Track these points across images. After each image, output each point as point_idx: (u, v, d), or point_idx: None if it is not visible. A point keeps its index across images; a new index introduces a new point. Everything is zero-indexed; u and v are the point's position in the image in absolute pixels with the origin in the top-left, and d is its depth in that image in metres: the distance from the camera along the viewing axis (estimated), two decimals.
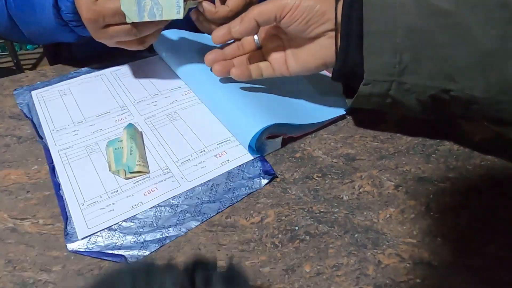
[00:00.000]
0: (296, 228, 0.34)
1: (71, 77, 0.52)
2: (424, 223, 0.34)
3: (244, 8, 0.44)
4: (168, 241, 0.32)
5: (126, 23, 0.39)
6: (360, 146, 0.42)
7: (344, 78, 0.40)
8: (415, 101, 0.36)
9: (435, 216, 0.35)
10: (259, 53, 0.44)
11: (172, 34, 0.54)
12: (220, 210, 0.35)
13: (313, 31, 0.37)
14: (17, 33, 0.50)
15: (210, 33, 0.43)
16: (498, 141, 0.42)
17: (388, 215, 0.35)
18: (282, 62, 0.42)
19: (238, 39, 0.43)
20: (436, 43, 0.33)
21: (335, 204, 0.36)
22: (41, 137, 0.42)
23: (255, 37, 0.43)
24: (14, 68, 1.47)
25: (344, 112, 0.46)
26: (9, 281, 0.29)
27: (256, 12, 0.37)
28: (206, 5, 0.43)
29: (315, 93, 0.48)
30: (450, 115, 0.40)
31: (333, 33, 0.37)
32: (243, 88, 0.44)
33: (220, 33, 0.40)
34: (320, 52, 0.38)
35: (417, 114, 0.39)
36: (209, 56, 0.43)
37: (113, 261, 0.31)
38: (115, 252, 0.31)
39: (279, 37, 0.42)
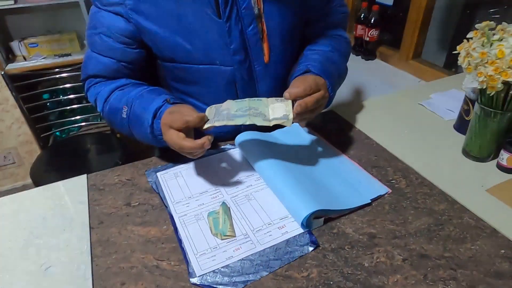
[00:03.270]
0: (331, 282, 0.51)
1: (179, 164, 0.77)
2: (421, 287, 0.50)
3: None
4: (248, 283, 0.51)
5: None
6: (380, 227, 0.60)
7: None
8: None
9: (430, 284, 0.51)
10: None
11: (247, 134, 0.78)
12: (281, 266, 0.54)
13: None
14: (131, 136, 0.75)
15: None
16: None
17: (395, 280, 0.51)
18: None
19: None
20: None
21: (359, 268, 0.53)
22: (166, 206, 0.65)
23: None
24: (110, 133, 1.85)
25: (370, 201, 0.64)
26: None
27: None
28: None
29: (349, 183, 0.67)
30: None
31: None
32: (298, 179, 0.65)
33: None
34: None
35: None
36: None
37: None
38: (219, 287, 0.51)
39: None
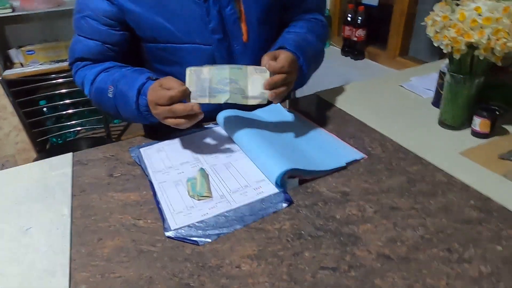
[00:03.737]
0: (302, 232, 0.52)
1: (163, 140, 0.79)
2: (390, 234, 0.51)
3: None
4: (222, 235, 0.53)
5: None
6: (353, 186, 0.61)
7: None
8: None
9: (398, 230, 0.52)
10: None
11: (229, 112, 0.80)
12: (255, 220, 0.55)
13: None
14: (119, 116, 0.78)
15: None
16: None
17: (366, 228, 0.52)
18: None
19: None
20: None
21: (331, 220, 0.54)
22: (147, 175, 0.67)
23: None
24: (105, 137, 1.88)
25: (345, 165, 0.66)
26: (135, 250, 0.51)
27: None
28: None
29: (325, 149, 0.69)
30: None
31: None
32: (274, 144, 0.67)
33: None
34: None
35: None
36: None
37: (189, 243, 0.51)
38: (192, 238, 0.52)
39: None
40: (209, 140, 0.77)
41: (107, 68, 0.78)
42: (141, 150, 0.75)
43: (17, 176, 0.70)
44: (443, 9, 0.67)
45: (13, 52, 1.80)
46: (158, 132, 0.87)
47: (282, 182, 0.60)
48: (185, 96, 0.64)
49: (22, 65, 1.80)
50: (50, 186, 0.66)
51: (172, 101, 0.63)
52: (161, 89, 0.65)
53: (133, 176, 0.68)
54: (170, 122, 0.65)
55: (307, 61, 0.75)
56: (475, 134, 0.73)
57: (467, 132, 0.75)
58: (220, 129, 0.80)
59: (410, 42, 1.77)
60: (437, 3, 0.69)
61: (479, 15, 0.61)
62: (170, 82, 0.65)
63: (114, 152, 0.76)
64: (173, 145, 0.77)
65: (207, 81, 0.65)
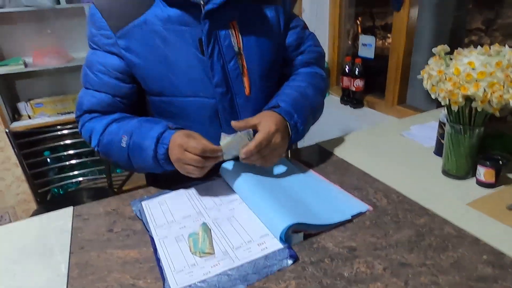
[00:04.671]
0: None
1: (165, 193, 0.78)
2: None
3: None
4: None
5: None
6: (360, 240, 0.59)
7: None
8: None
9: None
10: None
11: (230, 164, 0.80)
12: (259, 279, 0.52)
13: None
14: (129, 166, 0.78)
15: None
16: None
17: (376, 287, 0.50)
18: None
19: None
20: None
21: (338, 278, 0.52)
22: (148, 230, 0.66)
23: None
24: (107, 187, 1.87)
25: (351, 217, 0.64)
26: None
27: None
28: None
29: (329, 201, 0.68)
30: None
31: None
32: (278, 197, 0.66)
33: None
34: None
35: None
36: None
37: None
38: None
39: None
40: (211, 193, 0.76)
41: (117, 119, 0.79)
42: (143, 203, 0.74)
43: (15, 232, 0.69)
44: (438, 63, 0.69)
45: (21, 105, 1.85)
46: (159, 181, 0.86)
47: (286, 237, 0.58)
48: (214, 153, 0.68)
49: (29, 117, 1.84)
50: (48, 242, 0.65)
51: (203, 149, 0.66)
52: (192, 138, 0.68)
53: (134, 231, 0.66)
54: (189, 169, 0.68)
55: (303, 118, 0.77)
56: (481, 184, 0.72)
57: (472, 181, 0.74)
58: (222, 181, 0.79)
59: (407, 91, 1.82)
60: (430, 56, 0.72)
61: (473, 69, 0.63)
62: (201, 138, 0.69)
63: (115, 205, 0.75)
64: (175, 198, 0.76)
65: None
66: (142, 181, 0.99)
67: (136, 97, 0.82)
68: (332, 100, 2.10)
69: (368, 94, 1.98)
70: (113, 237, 0.65)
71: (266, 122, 0.72)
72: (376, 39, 1.86)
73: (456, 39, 1.74)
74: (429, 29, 1.77)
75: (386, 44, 2.03)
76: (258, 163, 0.72)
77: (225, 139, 0.69)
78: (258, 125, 0.71)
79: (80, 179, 1.98)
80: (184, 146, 0.67)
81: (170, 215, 0.70)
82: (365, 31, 2.12)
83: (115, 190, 1.80)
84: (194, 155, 0.66)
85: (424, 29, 1.76)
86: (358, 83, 1.90)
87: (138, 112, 0.83)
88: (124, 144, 0.74)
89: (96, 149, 0.80)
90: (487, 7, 1.62)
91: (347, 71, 1.94)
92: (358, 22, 2.17)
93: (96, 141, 0.79)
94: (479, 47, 0.69)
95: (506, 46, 0.66)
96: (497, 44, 0.67)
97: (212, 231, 0.64)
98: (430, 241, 0.58)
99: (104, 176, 1.84)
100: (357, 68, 1.87)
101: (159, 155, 0.71)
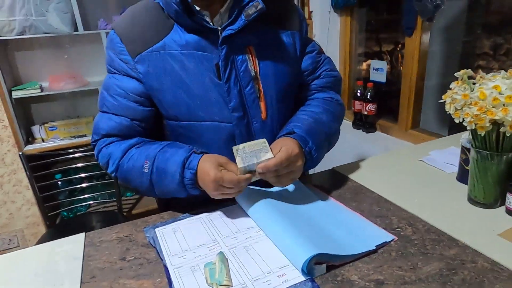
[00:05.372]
0: None
1: (179, 219, 0.76)
2: None
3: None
4: None
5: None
6: (388, 273, 0.56)
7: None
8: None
9: None
10: None
11: (247, 189, 0.78)
12: None
13: None
14: (150, 191, 0.77)
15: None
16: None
17: None
18: None
19: None
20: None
21: None
22: (162, 259, 0.63)
23: None
24: (117, 211, 1.85)
25: (375, 248, 0.61)
26: None
27: None
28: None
29: (352, 231, 0.65)
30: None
31: None
32: (298, 226, 0.63)
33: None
34: None
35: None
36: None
37: None
38: None
39: None
40: (227, 220, 0.74)
41: (137, 143, 0.78)
42: (156, 230, 0.72)
43: (26, 259, 0.67)
44: (461, 87, 0.68)
45: (36, 128, 1.87)
46: (171, 205, 0.84)
47: (309, 268, 0.55)
48: (249, 180, 0.68)
49: (43, 140, 1.86)
50: (59, 271, 0.62)
51: (238, 185, 0.67)
52: (225, 171, 0.68)
53: (147, 260, 0.64)
54: (222, 196, 0.69)
55: (317, 145, 0.76)
56: (511, 213, 0.68)
57: (501, 210, 0.70)
58: (238, 208, 0.77)
59: (420, 115, 1.80)
60: (441, 80, 0.71)
61: (500, 93, 0.61)
62: (229, 164, 0.69)
63: (128, 232, 0.73)
64: (190, 224, 0.73)
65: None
66: (153, 205, 0.97)
67: (154, 121, 0.81)
68: (344, 124, 2.08)
69: (380, 118, 1.96)
70: (126, 266, 0.62)
71: (289, 144, 0.71)
72: (387, 64, 1.86)
73: (466, 63, 1.74)
74: (439, 53, 1.77)
75: (397, 68, 2.03)
76: (272, 181, 0.70)
77: (237, 151, 0.69)
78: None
79: (90, 202, 1.97)
80: (219, 182, 0.66)
81: (184, 243, 0.67)
82: (375, 56, 2.13)
83: (125, 214, 1.78)
84: (229, 188, 0.67)
85: (435, 54, 1.76)
86: (371, 107, 1.88)
87: (155, 137, 0.82)
88: (146, 170, 0.73)
89: (113, 175, 0.78)
90: (495, 32, 1.63)
91: (358, 95, 1.93)
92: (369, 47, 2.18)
93: (114, 166, 0.77)
94: (502, 71, 0.67)
95: None
96: None
97: (229, 259, 0.61)
98: (463, 275, 0.54)
99: (114, 199, 1.82)
100: (369, 92, 1.87)
101: (185, 180, 0.70)
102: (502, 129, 0.62)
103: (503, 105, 0.61)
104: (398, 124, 1.84)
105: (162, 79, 0.75)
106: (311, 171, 1.17)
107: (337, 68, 2.18)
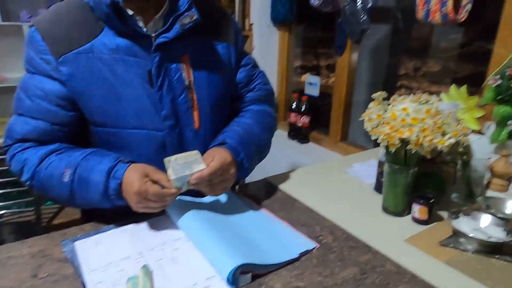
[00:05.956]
0: None
1: (103, 231, 0.72)
2: None
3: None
4: None
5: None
6: (308, 280, 0.59)
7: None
8: None
9: None
10: None
11: (177, 199, 0.77)
12: None
13: None
14: (70, 202, 0.72)
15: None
16: None
17: None
18: None
19: None
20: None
21: None
22: (80, 275, 0.59)
23: None
24: (34, 221, 1.68)
25: (298, 255, 0.64)
26: None
27: None
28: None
29: (278, 240, 0.67)
30: None
31: None
32: (224, 236, 0.64)
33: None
34: None
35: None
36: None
37: None
38: None
39: None
40: (155, 231, 0.72)
41: (57, 150, 0.72)
42: (76, 243, 0.67)
43: None
44: (377, 108, 0.75)
45: None
46: (96, 215, 0.79)
47: (234, 278, 0.56)
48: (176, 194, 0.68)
49: None
50: None
51: (164, 199, 0.66)
52: (150, 184, 0.66)
53: (63, 276, 0.59)
54: (145, 209, 0.67)
55: (248, 156, 0.79)
56: (416, 220, 0.77)
57: (408, 218, 0.79)
58: (167, 218, 0.75)
59: (349, 128, 1.94)
60: (368, 96, 0.78)
61: (407, 115, 0.69)
62: (157, 174, 0.68)
63: (42, 246, 0.67)
64: (114, 236, 0.70)
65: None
66: (77, 215, 0.91)
67: (78, 126, 0.76)
68: (279, 135, 2.16)
69: (313, 130, 2.07)
70: (38, 284, 0.57)
71: (222, 153, 0.72)
72: (320, 78, 1.98)
73: (390, 82, 1.93)
74: (367, 72, 1.94)
75: (330, 82, 2.17)
76: (205, 190, 0.71)
77: (169, 162, 0.68)
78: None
79: (3, 211, 1.77)
80: (143, 194, 0.65)
81: (107, 256, 0.64)
82: (310, 70, 2.25)
83: (44, 224, 1.63)
84: (154, 202, 0.66)
85: (363, 72, 1.92)
86: (305, 119, 1.98)
87: (79, 143, 0.77)
88: (66, 179, 0.68)
89: (28, 183, 0.72)
90: (415, 56, 1.83)
91: (294, 107, 2.02)
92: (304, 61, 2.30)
93: (30, 174, 0.71)
94: (412, 95, 0.76)
95: (434, 95, 0.74)
96: (426, 93, 0.74)
97: (154, 273, 0.59)
98: (373, 278, 0.60)
99: (32, 209, 1.66)
100: (303, 105, 1.96)
101: (110, 190, 0.67)
102: (408, 147, 0.70)
103: (410, 125, 0.69)
104: (329, 137, 1.96)
105: (89, 83, 0.71)
106: (245, 180, 1.20)
107: (275, 80, 2.27)
